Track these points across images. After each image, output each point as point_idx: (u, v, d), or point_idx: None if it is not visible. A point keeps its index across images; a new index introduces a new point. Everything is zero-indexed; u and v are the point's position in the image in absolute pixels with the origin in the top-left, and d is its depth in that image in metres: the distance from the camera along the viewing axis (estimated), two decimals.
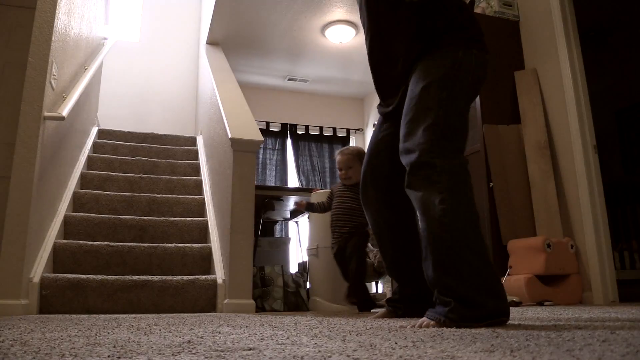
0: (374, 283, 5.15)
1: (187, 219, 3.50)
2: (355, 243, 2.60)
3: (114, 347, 0.85)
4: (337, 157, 2.70)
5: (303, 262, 3.91)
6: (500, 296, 1.30)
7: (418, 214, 1.41)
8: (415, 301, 1.72)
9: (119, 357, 0.72)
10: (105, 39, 4.94)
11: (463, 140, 1.45)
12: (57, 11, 2.68)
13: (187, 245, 3.16)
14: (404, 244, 1.76)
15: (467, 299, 1.25)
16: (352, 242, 2.61)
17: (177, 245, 3.13)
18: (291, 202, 3.73)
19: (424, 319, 1.31)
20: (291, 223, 5.20)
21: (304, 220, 4.17)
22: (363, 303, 2.55)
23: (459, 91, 1.45)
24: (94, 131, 4.79)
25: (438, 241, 1.31)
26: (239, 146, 2.92)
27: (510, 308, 1.36)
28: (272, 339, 0.97)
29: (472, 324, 1.22)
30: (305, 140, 6.64)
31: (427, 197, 1.34)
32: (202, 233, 3.46)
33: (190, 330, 1.25)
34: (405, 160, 1.43)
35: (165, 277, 2.77)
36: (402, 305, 1.78)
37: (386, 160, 1.73)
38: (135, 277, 2.71)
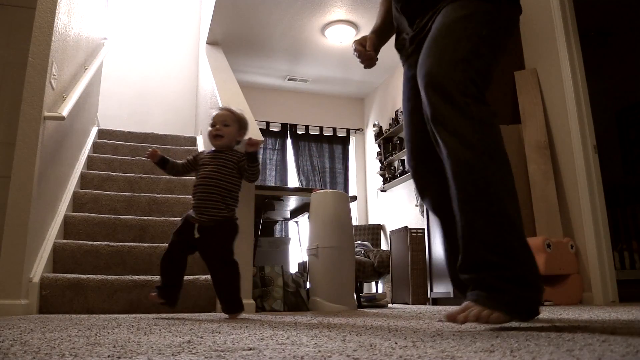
0: (373, 283, 5.16)
1: None
2: (226, 238, 2.05)
3: (114, 347, 0.85)
4: (215, 114, 2.16)
5: (303, 262, 3.91)
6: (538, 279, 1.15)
7: (448, 169, 1.23)
8: None
9: (119, 357, 0.72)
10: (105, 39, 4.94)
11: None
12: (57, 11, 2.68)
13: None
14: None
15: (525, 280, 1.11)
16: (220, 235, 2.03)
17: None
18: (291, 201, 3.73)
19: (475, 308, 1.10)
20: (291, 223, 5.20)
21: (304, 220, 4.17)
22: (233, 305, 2.02)
23: (496, 35, 1.32)
24: (94, 131, 4.79)
25: (478, 209, 1.15)
26: (239, 146, 2.92)
27: None
28: (272, 339, 0.97)
29: (532, 314, 1.12)
30: (305, 140, 6.64)
31: (462, 153, 1.18)
32: None
33: (190, 330, 1.25)
34: (430, 93, 1.25)
35: None
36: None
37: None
38: (135, 277, 2.71)
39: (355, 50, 1.68)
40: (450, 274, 1.54)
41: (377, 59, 1.70)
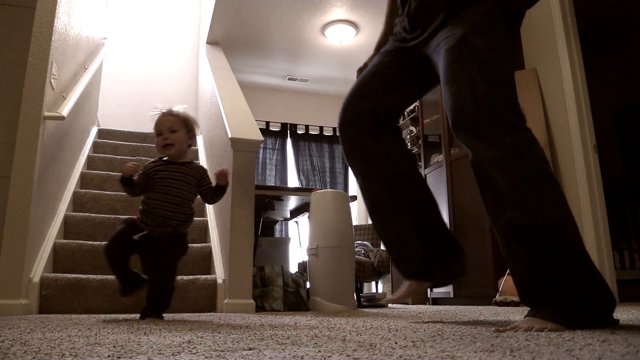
0: (373, 283, 5.16)
1: None
2: (177, 251, 1.99)
3: (114, 347, 0.85)
4: (158, 120, 2.01)
5: (303, 262, 3.91)
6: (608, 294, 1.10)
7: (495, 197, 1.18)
8: (448, 260, 1.48)
9: (119, 357, 0.72)
10: (105, 38, 4.94)
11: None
12: (57, 11, 2.68)
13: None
14: (413, 187, 1.50)
15: (588, 298, 1.07)
16: (172, 248, 1.96)
17: None
18: (291, 201, 3.73)
19: (536, 323, 1.05)
20: (291, 223, 5.20)
21: (304, 220, 4.17)
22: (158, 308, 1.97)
23: (511, 34, 1.28)
24: (94, 131, 4.79)
25: (537, 226, 1.11)
26: (239, 146, 2.93)
27: (511, 308, 1.36)
28: (272, 339, 0.97)
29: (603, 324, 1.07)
30: (305, 140, 6.64)
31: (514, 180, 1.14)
32: (202, 233, 3.46)
33: (190, 330, 1.25)
34: (462, 134, 1.21)
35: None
36: (435, 268, 1.49)
37: (378, 97, 1.49)
38: None
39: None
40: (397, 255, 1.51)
41: None
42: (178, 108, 2.06)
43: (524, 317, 1.11)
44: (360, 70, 1.71)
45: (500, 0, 1.28)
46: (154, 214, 1.91)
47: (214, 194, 2.02)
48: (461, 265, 1.51)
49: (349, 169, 6.94)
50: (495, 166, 1.15)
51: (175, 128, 1.98)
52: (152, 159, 2.02)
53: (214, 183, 2.03)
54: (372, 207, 1.53)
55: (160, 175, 1.94)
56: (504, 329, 1.07)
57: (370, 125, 1.50)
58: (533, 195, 1.12)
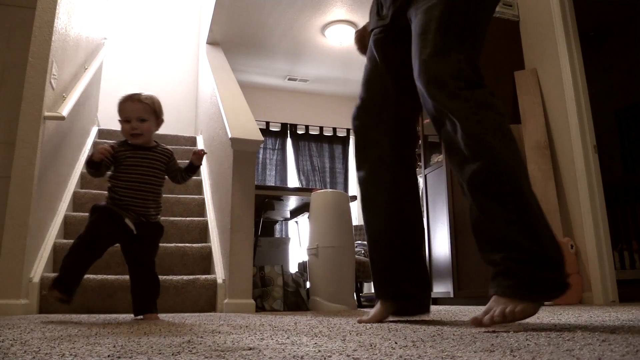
0: (373, 283, 5.15)
1: (187, 218, 3.50)
2: (156, 243, 1.96)
3: (114, 347, 0.85)
4: (124, 105, 1.91)
5: (303, 262, 3.91)
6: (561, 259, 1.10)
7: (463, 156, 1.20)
8: (418, 294, 1.49)
9: (119, 357, 0.72)
10: (105, 39, 4.94)
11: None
12: (57, 11, 2.68)
13: (187, 245, 3.16)
14: (411, 218, 1.49)
15: (547, 260, 1.06)
16: (152, 239, 1.94)
17: (177, 245, 3.13)
18: (291, 201, 3.73)
19: (498, 306, 1.06)
20: (291, 223, 5.20)
21: (304, 220, 4.17)
22: (150, 305, 1.91)
23: (479, 21, 1.30)
24: (94, 131, 4.79)
25: (495, 185, 1.12)
26: (239, 146, 2.93)
27: None
28: (272, 339, 0.97)
29: (558, 293, 1.06)
30: (305, 140, 6.64)
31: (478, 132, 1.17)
32: (202, 233, 3.46)
33: (190, 330, 1.25)
34: (426, 85, 1.24)
35: (165, 276, 2.77)
36: (410, 299, 1.48)
37: (392, 90, 1.49)
38: None
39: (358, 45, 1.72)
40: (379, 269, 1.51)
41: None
42: (145, 94, 1.97)
43: (492, 293, 1.11)
44: (358, 34, 1.73)
45: None
46: (125, 203, 1.87)
47: (184, 174, 2.01)
48: (429, 302, 1.53)
49: (349, 169, 6.93)
50: (456, 116, 1.18)
51: (145, 117, 1.92)
52: (118, 142, 1.94)
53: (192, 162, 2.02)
54: (377, 232, 1.52)
55: (130, 162, 1.89)
56: (481, 316, 1.06)
57: (395, 125, 1.51)
58: (492, 145, 1.14)
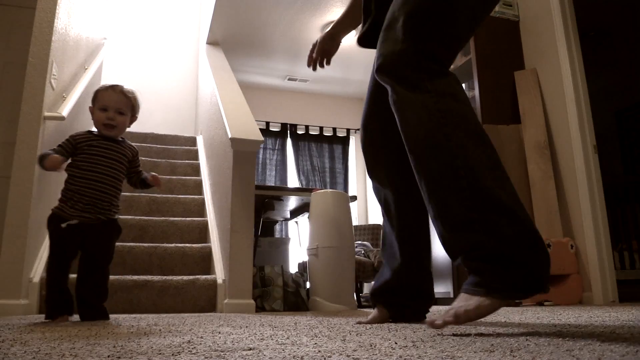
0: (373, 283, 5.15)
1: (187, 219, 3.50)
2: (113, 240, 1.87)
3: (114, 347, 0.85)
4: (105, 93, 1.84)
5: (303, 262, 3.91)
6: (544, 250, 0.99)
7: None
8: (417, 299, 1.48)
9: (119, 357, 0.72)
10: (105, 39, 4.94)
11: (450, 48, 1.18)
12: (57, 11, 2.68)
13: (187, 245, 3.16)
14: (416, 225, 1.48)
15: (509, 257, 0.98)
16: (108, 236, 1.84)
17: (177, 245, 3.13)
18: (291, 201, 3.73)
19: (457, 302, 1.01)
20: (291, 223, 5.20)
21: (304, 220, 4.17)
22: (99, 310, 1.84)
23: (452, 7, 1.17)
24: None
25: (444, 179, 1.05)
26: (239, 146, 2.93)
27: (510, 308, 1.35)
28: (272, 339, 0.97)
29: (523, 291, 0.97)
30: (305, 140, 6.64)
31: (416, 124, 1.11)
32: (202, 233, 3.46)
33: (190, 330, 1.25)
34: (382, 77, 1.19)
35: (165, 277, 2.77)
36: (409, 303, 1.48)
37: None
38: (135, 277, 2.71)
39: (318, 62, 1.73)
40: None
41: (334, 51, 1.74)
42: (128, 87, 1.91)
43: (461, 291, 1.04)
44: (316, 46, 1.73)
45: None
46: (83, 196, 1.75)
47: (140, 183, 1.93)
48: (426, 310, 1.53)
49: (349, 169, 6.92)
50: (417, 109, 1.11)
51: (124, 111, 1.86)
52: (79, 132, 1.85)
53: (145, 175, 1.94)
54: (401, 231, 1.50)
55: (95, 152, 1.79)
56: (434, 318, 1.02)
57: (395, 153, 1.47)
58: (451, 137, 1.06)
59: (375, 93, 1.54)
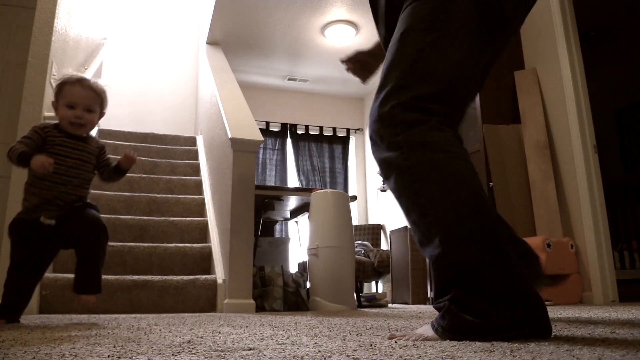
0: (373, 283, 5.16)
1: (187, 219, 3.50)
2: (91, 207, 1.77)
3: (114, 347, 0.85)
4: (73, 88, 1.70)
5: (303, 262, 3.91)
6: (518, 300, 0.90)
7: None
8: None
9: (119, 357, 0.72)
10: (105, 38, 4.94)
11: (456, 97, 1.08)
12: (57, 11, 2.68)
13: (187, 245, 3.16)
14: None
15: (463, 302, 0.91)
16: (84, 207, 1.75)
17: (177, 245, 3.13)
18: (291, 201, 3.73)
19: (423, 329, 0.97)
20: (291, 223, 5.20)
21: (304, 220, 4.17)
22: (94, 283, 1.75)
23: (454, 32, 1.07)
24: (94, 131, 4.79)
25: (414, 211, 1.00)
26: (239, 146, 2.93)
27: None
28: (272, 339, 0.97)
29: (472, 336, 0.87)
30: (305, 140, 6.64)
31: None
32: (202, 233, 3.46)
33: (190, 330, 1.25)
34: (374, 143, 1.11)
35: (165, 277, 2.77)
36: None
37: None
38: (135, 277, 2.71)
39: (349, 68, 1.60)
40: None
41: (374, 71, 1.60)
42: (95, 81, 1.78)
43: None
44: (351, 61, 1.61)
45: None
46: (47, 196, 1.65)
47: (112, 174, 1.83)
48: (541, 271, 1.32)
49: (349, 169, 6.92)
50: (392, 170, 1.04)
51: (93, 108, 1.72)
52: (46, 124, 1.72)
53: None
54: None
55: (59, 151, 1.67)
56: (399, 335, 0.97)
57: None
58: (423, 190, 0.99)
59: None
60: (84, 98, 1.70)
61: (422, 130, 1.02)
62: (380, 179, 6.11)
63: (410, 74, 1.07)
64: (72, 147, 1.70)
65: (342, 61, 1.61)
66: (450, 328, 0.90)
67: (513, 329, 0.87)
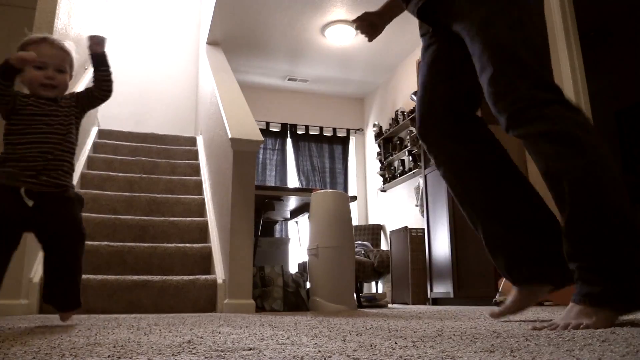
0: (373, 283, 5.16)
1: (187, 219, 3.50)
2: (75, 207, 1.56)
3: (114, 347, 0.85)
4: (41, 47, 1.56)
5: (303, 262, 3.91)
6: None
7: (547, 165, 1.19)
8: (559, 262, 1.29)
9: (119, 357, 0.72)
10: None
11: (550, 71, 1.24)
12: (57, 11, 2.68)
13: (187, 245, 3.16)
14: (509, 182, 1.44)
15: (624, 277, 1.04)
16: (69, 204, 1.53)
17: (177, 245, 3.13)
18: (291, 201, 3.73)
19: (573, 314, 1.06)
20: (291, 223, 5.20)
21: (304, 220, 4.17)
22: (73, 299, 1.61)
23: (530, 18, 1.24)
24: (94, 131, 4.79)
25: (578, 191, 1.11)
26: (239, 146, 2.93)
27: None
28: (272, 339, 0.97)
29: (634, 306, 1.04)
30: (305, 140, 6.64)
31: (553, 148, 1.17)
32: (202, 233, 3.46)
33: (190, 330, 1.25)
34: (501, 108, 1.23)
35: (165, 277, 2.77)
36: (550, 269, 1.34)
37: (447, 91, 1.45)
38: (135, 277, 2.71)
39: (357, 26, 1.70)
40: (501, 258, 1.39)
41: (380, 30, 1.70)
42: (64, 41, 1.64)
43: (571, 301, 1.09)
44: (359, 19, 1.70)
45: None
46: (26, 163, 1.46)
47: (95, 74, 1.66)
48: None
49: (349, 169, 6.94)
50: (545, 140, 1.16)
51: (64, 68, 1.60)
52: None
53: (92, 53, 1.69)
54: (471, 210, 1.46)
55: (31, 111, 1.50)
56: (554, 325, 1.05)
57: (451, 126, 1.46)
58: (594, 145, 1.12)
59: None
60: (54, 57, 1.57)
61: (564, 107, 1.18)
62: (381, 179, 6.11)
63: (524, 54, 1.20)
64: (45, 105, 1.53)
65: (352, 20, 1.73)
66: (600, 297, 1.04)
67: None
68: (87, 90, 1.64)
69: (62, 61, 1.59)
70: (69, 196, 1.53)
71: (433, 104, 1.47)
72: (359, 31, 1.72)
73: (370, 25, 1.70)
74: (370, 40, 1.73)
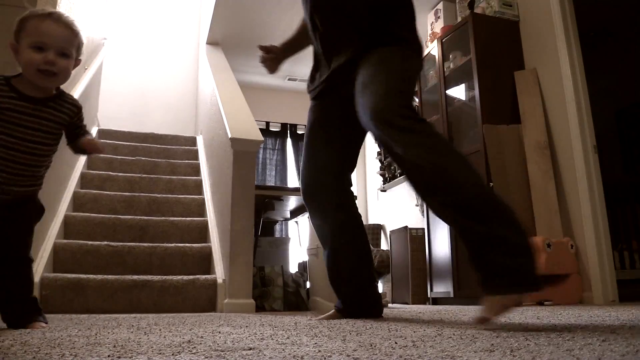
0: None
1: (187, 219, 3.50)
2: (30, 223, 1.43)
3: (114, 347, 0.85)
4: (43, 24, 1.31)
5: (303, 262, 3.91)
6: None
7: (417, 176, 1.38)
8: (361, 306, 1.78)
9: (119, 357, 0.72)
10: (105, 38, 4.94)
11: None
12: None
13: (187, 245, 3.16)
14: (362, 249, 1.76)
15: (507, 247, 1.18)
16: (24, 218, 1.41)
17: (177, 245, 3.13)
18: (291, 201, 3.73)
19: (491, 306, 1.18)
20: (291, 223, 5.20)
21: (304, 220, 4.17)
22: (31, 310, 1.51)
23: (414, 73, 1.59)
24: (94, 131, 4.79)
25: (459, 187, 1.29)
26: (239, 146, 2.93)
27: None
28: (272, 339, 0.97)
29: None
30: None
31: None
32: (202, 233, 3.46)
33: (190, 330, 1.25)
34: (379, 125, 1.42)
35: (165, 277, 2.77)
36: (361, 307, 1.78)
37: (333, 156, 1.74)
38: (135, 277, 2.71)
39: (262, 59, 1.90)
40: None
41: (280, 65, 1.90)
42: (72, 18, 1.36)
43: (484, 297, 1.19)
44: (263, 48, 1.88)
45: (406, 48, 1.58)
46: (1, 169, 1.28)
47: (77, 147, 1.44)
48: (379, 312, 1.80)
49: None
50: (410, 148, 1.33)
51: (69, 51, 1.31)
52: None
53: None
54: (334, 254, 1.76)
55: (10, 118, 1.26)
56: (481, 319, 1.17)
57: (333, 194, 1.74)
58: (449, 164, 1.29)
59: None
60: (58, 37, 1.28)
61: (430, 125, 1.40)
62: (381, 178, 6.11)
63: (405, 86, 1.51)
64: (29, 114, 1.28)
65: (260, 47, 1.91)
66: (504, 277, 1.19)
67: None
68: (78, 131, 1.43)
69: (67, 43, 1.30)
70: (28, 210, 1.41)
71: (317, 172, 1.74)
72: (262, 64, 1.91)
73: (273, 60, 1.88)
74: (270, 72, 1.93)
